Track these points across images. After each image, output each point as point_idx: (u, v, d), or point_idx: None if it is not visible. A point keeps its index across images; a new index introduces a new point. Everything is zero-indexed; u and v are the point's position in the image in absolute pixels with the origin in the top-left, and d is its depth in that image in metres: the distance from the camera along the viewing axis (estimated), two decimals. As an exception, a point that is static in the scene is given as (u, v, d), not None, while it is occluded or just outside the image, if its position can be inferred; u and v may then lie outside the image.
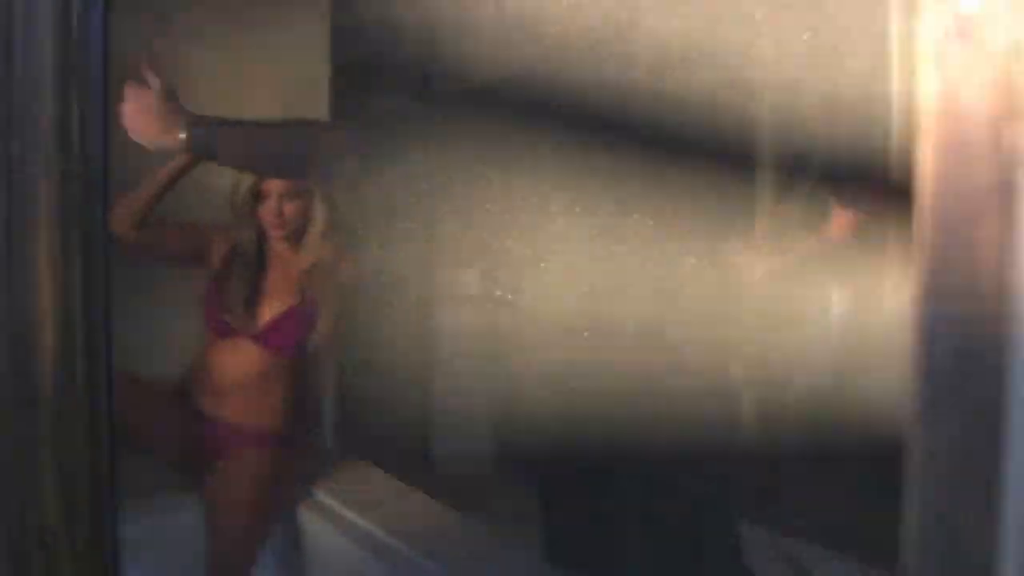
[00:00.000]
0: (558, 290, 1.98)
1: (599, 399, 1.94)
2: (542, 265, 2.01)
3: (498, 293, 2.08)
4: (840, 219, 2.16)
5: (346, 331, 2.23)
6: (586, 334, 1.90)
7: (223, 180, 2.17)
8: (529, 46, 2.04)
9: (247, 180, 2.16)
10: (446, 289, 2.44)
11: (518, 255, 2.06)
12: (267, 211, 2.16)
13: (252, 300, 2.18)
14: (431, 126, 2.23)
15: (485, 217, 2.10)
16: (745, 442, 2.08)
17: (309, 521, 2.31)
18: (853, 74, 2.04)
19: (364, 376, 2.42)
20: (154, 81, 1.61)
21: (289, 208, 2.15)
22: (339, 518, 2.26)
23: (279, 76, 2.40)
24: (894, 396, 2.03)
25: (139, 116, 1.60)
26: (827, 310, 2.26)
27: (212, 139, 1.71)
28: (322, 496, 2.36)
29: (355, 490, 2.37)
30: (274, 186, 2.14)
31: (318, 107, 2.47)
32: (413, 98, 2.28)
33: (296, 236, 2.19)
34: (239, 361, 2.17)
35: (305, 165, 1.90)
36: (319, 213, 2.16)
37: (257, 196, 2.17)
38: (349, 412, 2.62)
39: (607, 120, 1.97)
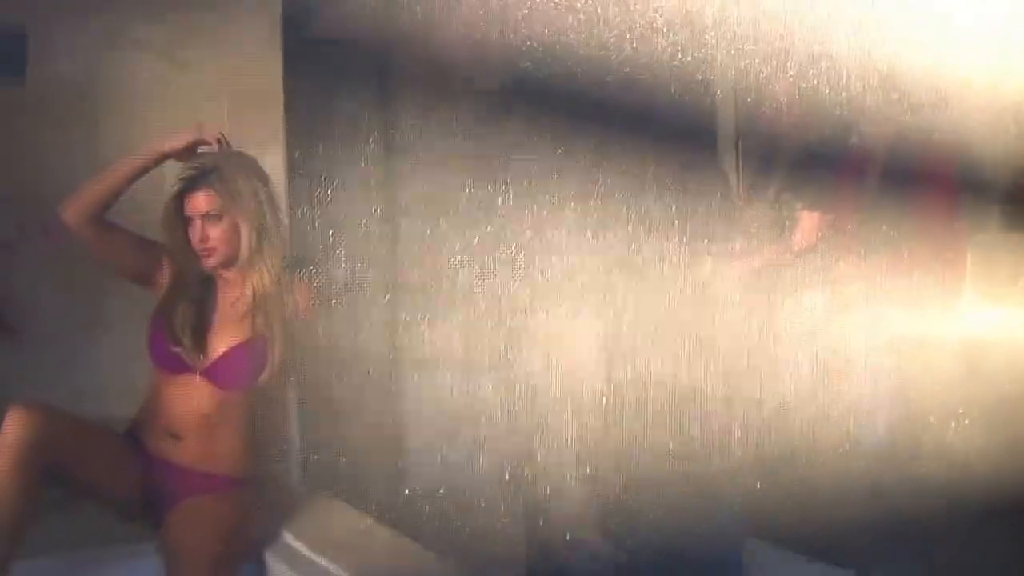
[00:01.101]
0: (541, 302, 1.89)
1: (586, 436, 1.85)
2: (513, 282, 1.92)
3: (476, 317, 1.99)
4: (807, 223, 2.07)
5: (304, 364, 2.11)
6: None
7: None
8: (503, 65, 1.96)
9: (171, 202, 2.04)
10: (413, 318, 2.31)
11: (494, 280, 1.97)
12: (194, 235, 2.03)
13: (200, 332, 2.04)
14: (392, 147, 2.13)
15: (456, 242, 2.00)
16: (731, 458, 1.99)
17: (277, 566, 2.13)
18: (826, 78, 1.96)
19: (331, 410, 2.30)
20: None
21: (214, 232, 2.02)
22: (307, 562, 2.10)
23: (230, 89, 2.29)
24: (873, 403, 1.90)
25: None
26: (801, 318, 2.15)
27: None
28: (290, 539, 2.18)
29: (324, 530, 2.22)
30: (196, 207, 2.02)
31: (270, 122, 2.36)
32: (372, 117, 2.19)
33: (231, 263, 2.06)
34: (190, 399, 2.03)
35: None
36: (245, 238, 2.04)
37: (184, 219, 2.04)
38: (317, 448, 2.48)
39: (581, 130, 1.90)
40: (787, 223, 2.04)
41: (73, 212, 2.00)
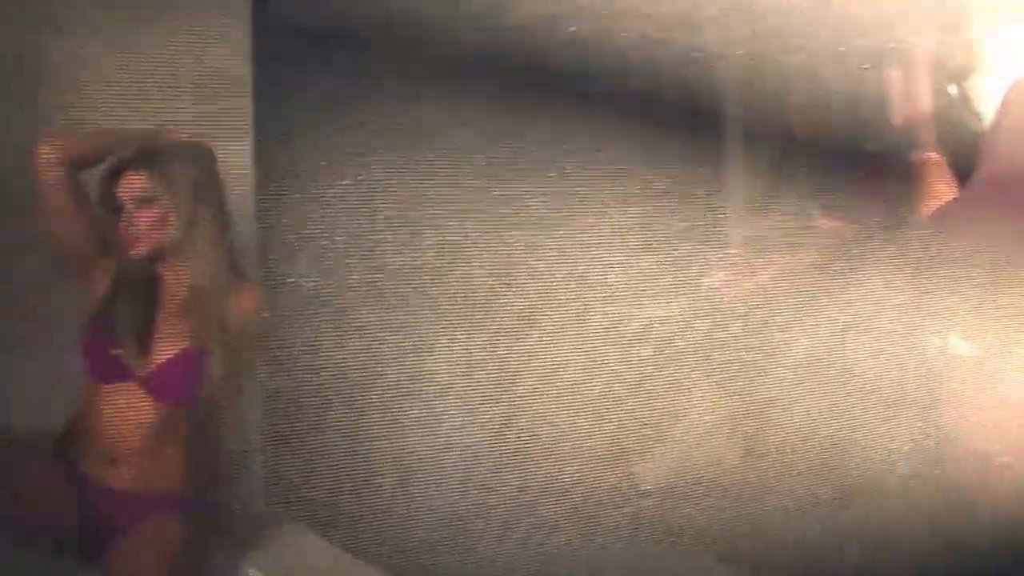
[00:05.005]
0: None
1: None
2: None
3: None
4: (826, 231, 1.94)
5: (252, 375, 1.96)
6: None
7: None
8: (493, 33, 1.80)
9: (103, 182, 1.87)
10: (399, 332, 2.12)
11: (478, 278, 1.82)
12: (124, 222, 1.86)
13: (145, 334, 1.87)
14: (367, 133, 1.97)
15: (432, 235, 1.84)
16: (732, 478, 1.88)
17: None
18: (846, 79, 1.84)
19: (300, 425, 2.11)
20: None
21: (145, 217, 1.85)
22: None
23: (190, 70, 2.09)
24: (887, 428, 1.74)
25: None
26: (813, 333, 2.00)
27: None
28: (252, 570, 2.01)
29: (290, 561, 2.05)
30: (125, 190, 1.85)
31: (239, 104, 2.16)
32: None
33: (160, 255, 1.90)
34: (128, 414, 1.84)
35: None
36: (175, 229, 1.87)
37: (116, 206, 1.87)
38: (282, 468, 2.30)
39: (581, 124, 1.75)
40: (805, 232, 1.92)
41: (52, 149, 1.80)
